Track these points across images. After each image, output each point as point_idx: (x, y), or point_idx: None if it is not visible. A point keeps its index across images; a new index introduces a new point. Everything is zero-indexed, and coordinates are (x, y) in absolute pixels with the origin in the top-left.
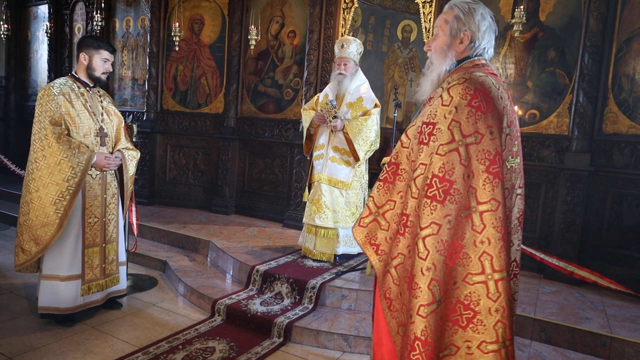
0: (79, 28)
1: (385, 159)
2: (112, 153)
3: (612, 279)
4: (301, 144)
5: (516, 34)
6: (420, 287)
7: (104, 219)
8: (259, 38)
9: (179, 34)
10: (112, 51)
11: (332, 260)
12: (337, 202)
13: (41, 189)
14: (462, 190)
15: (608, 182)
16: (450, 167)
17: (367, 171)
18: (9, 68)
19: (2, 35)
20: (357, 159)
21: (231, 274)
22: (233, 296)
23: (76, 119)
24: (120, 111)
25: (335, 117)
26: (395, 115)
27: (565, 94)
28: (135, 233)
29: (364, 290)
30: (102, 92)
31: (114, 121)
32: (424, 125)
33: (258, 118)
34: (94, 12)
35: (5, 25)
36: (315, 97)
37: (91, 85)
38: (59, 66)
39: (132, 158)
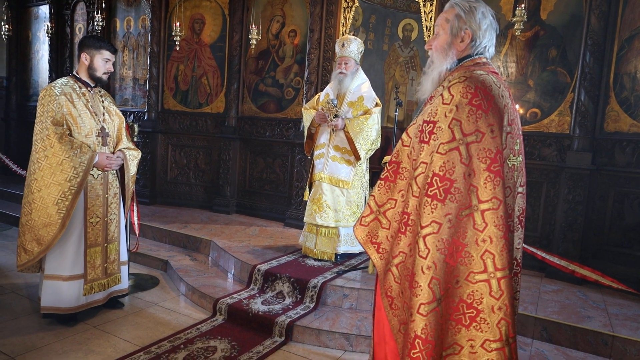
0: (79, 28)
1: (387, 158)
2: (113, 153)
3: (614, 277)
4: (302, 143)
5: (517, 33)
6: (420, 286)
7: (105, 219)
8: (260, 37)
9: (179, 34)
10: (114, 51)
11: (333, 260)
12: (338, 201)
13: (43, 189)
14: (462, 189)
15: (609, 181)
16: (451, 166)
17: (368, 170)
18: (10, 68)
19: (3, 36)
20: (358, 158)
21: (232, 273)
22: (234, 295)
23: (78, 119)
24: (121, 111)
25: (336, 116)
26: (396, 114)
27: (567, 92)
28: (137, 233)
29: (365, 290)
30: (103, 92)
31: (115, 121)
32: (425, 124)
33: (259, 117)
34: (95, 12)
35: (6, 26)
36: (316, 96)
37: (92, 85)
38: (60, 66)
39: (133, 158)
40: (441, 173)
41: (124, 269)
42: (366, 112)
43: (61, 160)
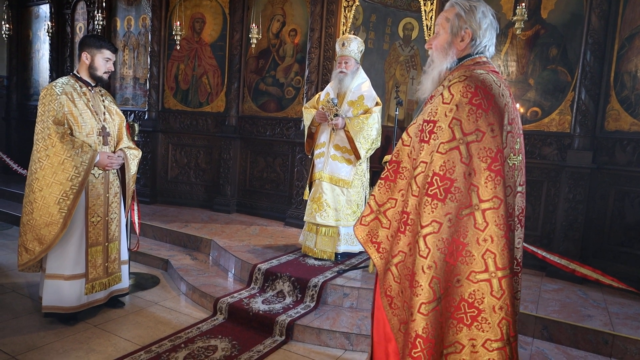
0: (80, 27)
1: (387, 157)
2: (114, 152)
3: (614, 276)
4: (302, 143)
5: (518, 32)
6: (421, 285)
7: (106, 218)
8: (260, 37)
9: (180, 33)
10: (114, 50)
11: (333, 259)
12: (339, 200)
13: (45, 189)
14: (462, 188)
15: (610, 180)
16: (451, 166)
17: (368, 169)
18: (11, 68)
19: (4, 35)
20: (358, 157)
21: (233, 272)
22: (235, 295)
23: (79, 118)
24: (121, 110)
25: (336, 115)
26: (397, 113)
27: (567, 91)
28: (137, 232)
29: (365, 289)
30: (103, 91)
31: (115, 120)
32: (425, 123)
33: (259, 117)
34: (95, 12)
35: (7, 25)
36: (317, 95)
37: (93, 84)
38: (61, 65)
39: (133, 157)
40: (441, 172)
41: (125, 268)
42: (366, 111)
43: (63, 159)
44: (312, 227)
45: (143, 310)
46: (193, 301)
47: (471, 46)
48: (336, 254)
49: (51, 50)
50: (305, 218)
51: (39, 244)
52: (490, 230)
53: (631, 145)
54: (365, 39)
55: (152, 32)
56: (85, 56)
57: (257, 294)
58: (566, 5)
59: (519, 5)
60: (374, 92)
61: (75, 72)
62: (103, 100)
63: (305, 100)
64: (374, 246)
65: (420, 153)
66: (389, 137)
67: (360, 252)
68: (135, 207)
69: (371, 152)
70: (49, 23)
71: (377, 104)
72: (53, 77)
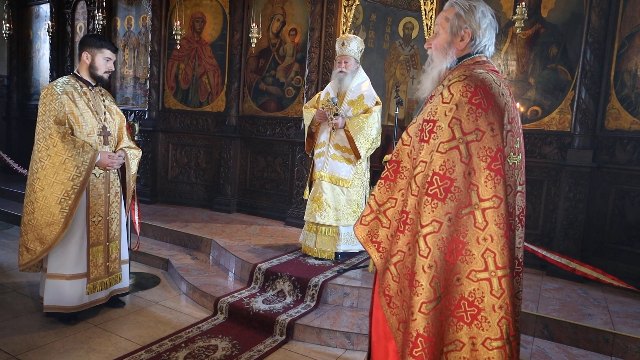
0: (80, 27)
1: (387, 157)
2: (114, 152)
3: (615, 275)
4: (302, 142)
5: (518, 31)
6: (422, 285)
7: (107, 218)
8: (260, 36)
9: (180, 33)
10: (115, 50)
11: (333, 258)
12: (339, 199)
13: (46, 188)
14: (462, 187)
15: (610, 179)
16: (451, 165)
17: (368, 169)
18: (11, 67)
19: (4, 35)
20: (358, 156)
21: (233, 272)
22: (235, 294)
23: (79, 118)
24: (122, 110)
25: (336, 114)
26: (397, 112)
27: (567, 90)
28: (138, 231)
29: (365, 288)
30: (103, 91)
31: (116, 120)
32: (425, 123)
33: (259, 116)
34: (96, 11)
35: (7, 25)
36: (317, 95)
37: (93, 84)
38: (61, 65)
39: (134, 157)
40: (441, 172)
41: (125, 268)
42: (366, 111)
43: (64, 159)
44: (312, 227)
45: (143, 310)
46: (193, 301)
47: (471, 46)
48: (336, 254)
49: (51, 50)
50: (305, 217)
51: (40, 243)
52: (490, 230)
53: (631, 144)
54: (365, 38)
55: (152, 32)
56: (86, 56)
57: (258, 294)
58: (566, 4)
59: (519, 4)
60: (373, 92)
61: (75, 71)
62: (103, 100)
63: (305, 99)
64: (374, 246)
65: (420, 152)
66: (389, 136)
67: (360, 252)
68: (136, 207)
69: (371, 152)
70: (50, 22)
71: (377, 103)
72: (53, 76)
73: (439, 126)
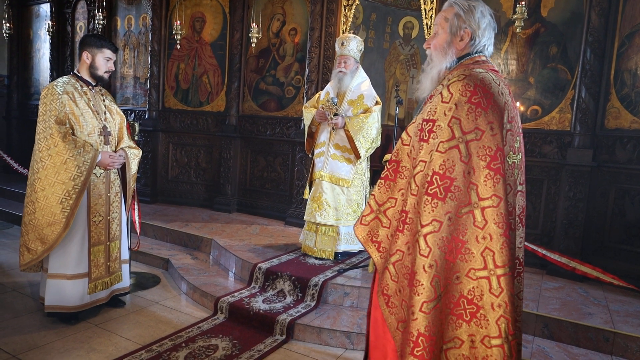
0: (80, 27)
1: (387, 156)
2: (115, 152)
3: (615, 274)
4: (303, 142)
5: (518, 30)
6: (422, 284)
7: (108, 217)
8: (260, 36)
9: (180, 32)
10: (115, 50)
11: (333, 258)
12: (339, 199)
13: (47, 188)
14: (462, 187)
15: (610, 178)
16: (451, 165)
17: (368, 169)
18: (12, 67)
19: (5, 34)
20: (358, 156)
21: (233, 272)
22: (235, 294)
23: (80, 118)
24: (122, 110)
25: (336, 114)
26: (397, 112)
27: (567, 89)
28: (138, 231)
29: (366, 288)
30: (103, 90)
31: (116, 120)
32: (424, 123)
33: (259, 116)
34: (96, 11)
35: (8, 24)
36: (317, 95)
37: (94, 84)
38: (61, 65)
39: (134, 156)
40: (441, 171)
41: (125, 267)
42: (366, 111)
43: (65, 159)
44: (312, 227)
45: (144, 310)
46: (194, 300)
47: (470, 45)
48: (336, 253)
49: (52, 50)
50: (305, 217)
51: (41, 243)
52: (489, 228)
53: (631, 143)
54: (365, 37)
55: (152, 32)
56: (86, 55)
57: (258, 293)
58: (566, 3)
59: (519, 4)
60: (373, 91)
61: (75, 71)
62: (103, 100)
63: (305, 99)
64: (375, 245)
65: (420, 152)
66: (389, 136)
67: (360, 251)
68: (136, 207)
69: (371, 151)
70: (50, 22)
71: (376, 103)
72: (54, 76)
73: (439, 125)
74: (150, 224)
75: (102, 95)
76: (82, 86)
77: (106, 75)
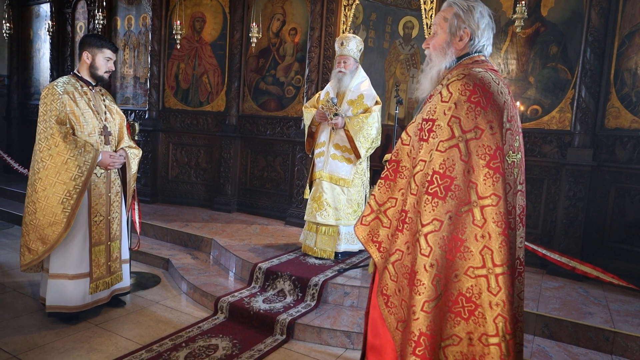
0: (80, 27)
1: (387, 156)
2: (115, 151)
3: (615, 274)
4: (303, 142)
5: (518, 30)
6: (424, 284)
7: (108, 217)
8: (260, 36)
9: (180, 32)
10: (115, 50)
11: (333, 258)
12: (339, 199)
13: (48, 188)
14: (462, 186)
15: (610, 177)
16: (451, 164)
17: (368, 168)
18: (12, 67)
19: (5, 34)
20: (358, 156)
21: (234, 271)
22: (236, 294)
23: (80, 117)
24: (122, 109)
25: (336, 114)
26: (397, 112)
27: (568, 89)
28: (138, 231)
29: (366, 287)
30: (103, 90)
31: (116, 120)
32: (424, 122)
33: (260, 116)
34: (96, 11)
35: (8, 24)
36: (317, 94)
37: (94, 84)
38: (61, 65)
39: (134, 156)
40: (441, 171)
41: (126, 267)
42: (366, 111)
43: (66, 159)
44: (313, 226)
45: (144, 310)
46: (194, 300)
47: (469, 45)
48: (336, 253)
49: (52, 50)
50: (305, 217)
51: (42, 243)
52: (488, 227)
53: (631, 142)
54: (365, 37)
55: (152, 31)
56: (86, 55)
57: (258, 293)
58: (566, 2)
59: (519, 3)
60: (373, 91)
61: (75, 71)
62: (104, 100)
63: (305, 99)
64: (375, 245)
65: (420, 152)
66: (389, 135)
67: (361, 251)
68: (136, 206)
69: (371, 151)
70: (50, 22)
71: (376, 102)
72: (54, 76)
73: (438, 125)
74: (151, 224)
75: (102, 95)
76: (82, 86)
77: (106, 75)
